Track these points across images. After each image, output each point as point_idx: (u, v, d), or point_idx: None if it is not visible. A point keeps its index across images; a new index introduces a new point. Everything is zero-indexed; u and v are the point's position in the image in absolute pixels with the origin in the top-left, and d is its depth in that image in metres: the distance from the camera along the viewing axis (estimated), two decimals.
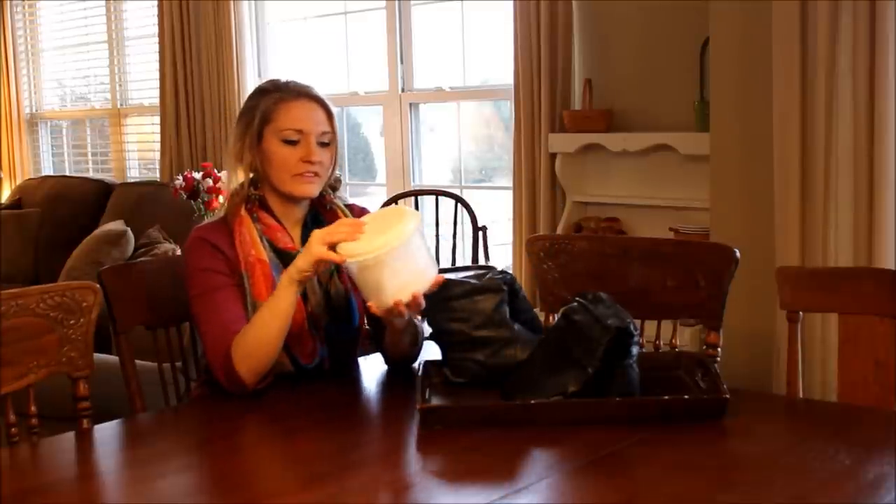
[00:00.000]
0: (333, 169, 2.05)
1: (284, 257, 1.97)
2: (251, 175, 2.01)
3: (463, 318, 1.89)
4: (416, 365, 1.95)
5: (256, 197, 2.00)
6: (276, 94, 2.00)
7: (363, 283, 1.76)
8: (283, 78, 2.07)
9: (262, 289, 1.93)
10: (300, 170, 1.96)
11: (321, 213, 2.06)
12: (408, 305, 1.74)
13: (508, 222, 4.07)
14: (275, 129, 1.97)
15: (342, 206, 2.08)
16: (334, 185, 2.11)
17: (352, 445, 1.66)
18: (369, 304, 1.77)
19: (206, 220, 2.07)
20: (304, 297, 1.95)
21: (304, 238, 2.01)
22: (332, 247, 1.76)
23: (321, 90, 2.05)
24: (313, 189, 2.00)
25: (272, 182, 1.99)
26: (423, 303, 1.76)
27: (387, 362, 2.07)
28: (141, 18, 5.67)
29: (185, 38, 5.09)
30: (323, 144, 1.99)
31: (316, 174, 1.98)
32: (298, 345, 1.95)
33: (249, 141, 1.99)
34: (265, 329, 1.83)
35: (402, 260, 1.72)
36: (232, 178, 2.03)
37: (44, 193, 5.46)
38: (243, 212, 1.99)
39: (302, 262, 1.80)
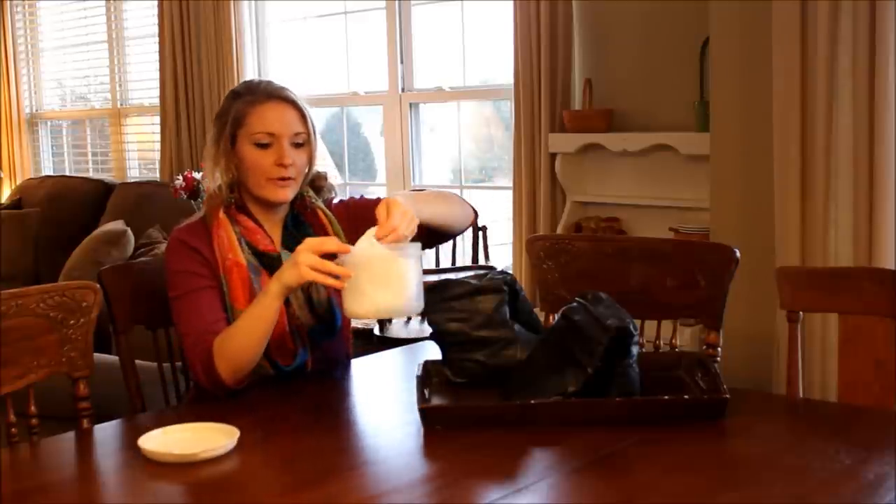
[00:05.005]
0: (310, 169, 2.03)
1: (265, 259, 1.96)
2: (229, 178, 2.00)
3: (463, 319, 1.89)
4: (416, 364, 1.94)
5: (233, 200, 1.99)
6: (248, 97, 1.99)
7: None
8: (258, 79, 2.06)
9: (239, 293, 1.92)
10: (274, 174, 1.95)
11: (301, 213, 2.05)
12: None
13: (508, 222, 4.06)
14: (246, 132, 1.96)
15: (322, 206, 2.07)
16: (317, 182, 2.10)
17: (351, 446, 1.67)
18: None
19: (185, 221, 2.04)
20: (287, 300, 1.94)
21: (285, 239, 2.01)
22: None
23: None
24: (288, 193, 1.98)
25: (248, 186, 1.99)
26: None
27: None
28: (141, 18, 5.67)
29: (185, 38, 5.09)
30: (297, 145, 1.97)
31: (291, 178, 1.96)
32: (279, 348, 1.94)
33: (224, 145, 1.99)
34: (248, 336, 1.81)
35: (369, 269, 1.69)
36: (209, 180, 2.02)
37: (44, 193, 5.46)
38: (221, 214, 1.98)
39: (291, 279, 1.76)
